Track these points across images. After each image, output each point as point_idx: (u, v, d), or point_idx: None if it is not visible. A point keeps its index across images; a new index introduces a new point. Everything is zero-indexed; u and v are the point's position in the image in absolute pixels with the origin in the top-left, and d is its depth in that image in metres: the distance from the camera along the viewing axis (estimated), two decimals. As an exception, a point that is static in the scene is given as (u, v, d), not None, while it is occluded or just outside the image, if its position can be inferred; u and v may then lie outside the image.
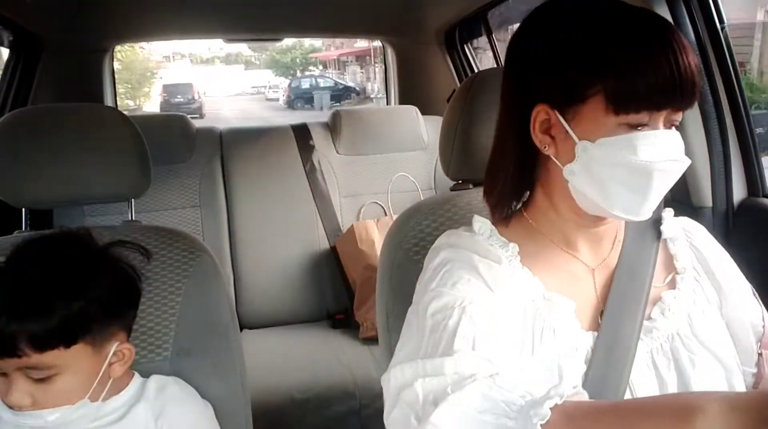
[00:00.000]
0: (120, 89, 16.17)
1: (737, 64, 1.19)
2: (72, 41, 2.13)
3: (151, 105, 15.68)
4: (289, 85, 17.70)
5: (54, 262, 0.80)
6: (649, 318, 0.72)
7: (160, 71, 17.73)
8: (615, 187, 0.65)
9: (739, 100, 1.19)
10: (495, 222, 0.77)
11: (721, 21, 1.17)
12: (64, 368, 0.76)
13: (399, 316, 0.89)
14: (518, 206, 0.78)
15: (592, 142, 0.65)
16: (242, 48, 26.09)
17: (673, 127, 0.66)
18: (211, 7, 2.06)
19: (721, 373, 0.70)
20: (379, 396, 1.00)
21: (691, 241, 0.79)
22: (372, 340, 1.78)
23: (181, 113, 2.27)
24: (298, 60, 20.69)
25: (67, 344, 0.75)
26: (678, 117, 0.66)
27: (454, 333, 0.63)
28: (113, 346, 0.82)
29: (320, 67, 20.00)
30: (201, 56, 29.51)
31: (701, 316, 0.73)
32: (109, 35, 2.34)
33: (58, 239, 0.86)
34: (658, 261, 0.77)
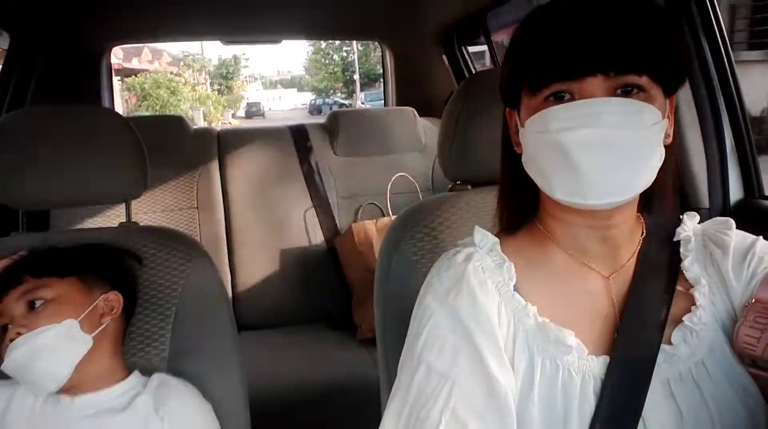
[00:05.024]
0: (226, 103, 26.15)
1: (734, 66, 1.20)
2: (70, 42, 2.13)
3: (240, 112, 29.49)
4: (310, 102, 32.87)
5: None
6: (670, 343, 0.64)
7: (244, 94, 32.38)
8: (549, 167, 0.61)
9: (736, 101, 1.20)
10: (501, 231, 0.73)
11: (718, 23, 1.17)
12: (56, 293, 0.88)
13: (396, 319, 0.89)
14: (532, 215, 0.72)
15: (524, 128, 0.64)
16: (300, 73, 40.65)
17: (638, 96, 0.58)
18: (209, 9, 2.06)
19: (742, 404, 0.61)
20: (376, 396, 1.00)
21: (711, 249, 0.69)
22: (370, 342, 1.78)
23: (179, 115, 2.28)
24: (328, 86, 34.23)
25: (61, 275, 0.90)
26: (628, 80, 0.57)
27: None
28: (102, 293, 0.92)
29: (344, 90, 33.56)
30: (270, 79, 43.90)
31: (723, 339, 0.65)
32: (106, 36, 2.33)
33: None
34: (678, 274, 0.68)
